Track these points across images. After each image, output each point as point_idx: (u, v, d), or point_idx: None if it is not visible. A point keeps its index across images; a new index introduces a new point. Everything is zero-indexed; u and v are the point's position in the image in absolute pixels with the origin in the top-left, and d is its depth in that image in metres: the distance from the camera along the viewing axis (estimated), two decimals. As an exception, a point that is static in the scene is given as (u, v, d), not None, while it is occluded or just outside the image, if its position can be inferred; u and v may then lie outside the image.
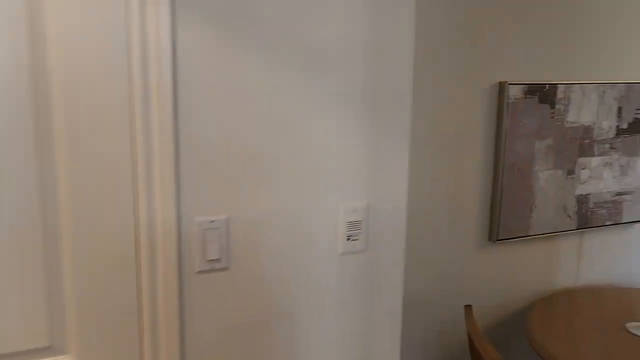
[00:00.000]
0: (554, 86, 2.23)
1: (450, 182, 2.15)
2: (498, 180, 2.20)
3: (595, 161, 2.39)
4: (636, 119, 2.44)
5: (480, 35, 2.09)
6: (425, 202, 2.12)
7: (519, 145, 2.21)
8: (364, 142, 1.28)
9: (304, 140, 1.21)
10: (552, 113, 2.25)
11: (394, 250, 1.37)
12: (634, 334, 1.99)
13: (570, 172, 2.34)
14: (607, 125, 2.38)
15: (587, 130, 2.34)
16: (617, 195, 2.48)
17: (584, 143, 2.34)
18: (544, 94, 2.21)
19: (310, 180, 1.24)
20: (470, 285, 2.28)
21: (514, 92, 2.15)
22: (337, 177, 1.27)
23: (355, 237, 1.32)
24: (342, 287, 1.33)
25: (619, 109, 2.39)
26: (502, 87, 2.15)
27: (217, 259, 1.16)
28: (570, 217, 2.38)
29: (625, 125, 2.42)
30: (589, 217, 2.43)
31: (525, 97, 2.18)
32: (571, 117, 2.29)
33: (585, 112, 2.32)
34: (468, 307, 2.03)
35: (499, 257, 2.31)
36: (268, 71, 1.15)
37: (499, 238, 2.24)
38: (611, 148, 2.41)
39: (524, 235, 2.29)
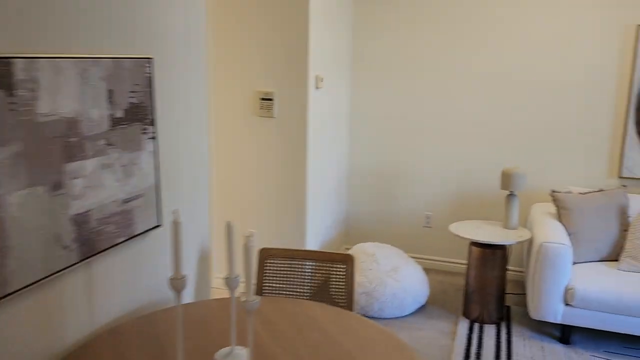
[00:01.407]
0: (8, 62, 1.44)
1: None
2: None
3: (90, 165, 1.75)
4: (131, 103, 1.93)
5: None
6: None
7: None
8: None
9: None
10: (13, 103, 1.47)
11: None
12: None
13: (58, 186, 1.64)
14: (98, 114, 1.78)
15: (72, 123, 1.67)
16: (125, 202, 1.94)
17: (70, 142, 1.67)
18: (-7, 73, 1.40)
19: None
20: None
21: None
22: None
23: None
24: None
25: (110, 92, 1.82)
26: None
27: None
28: (68, 247, 1.69)
29: (120, 114, 1.88)
30: (94, 240, 1.80)
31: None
32: (44, 107, 1.57)
33: (64, 98, 1.64)
34: None
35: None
36: None
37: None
38: (108, 144, 1.83)
39: (0, 295, 1.47)
